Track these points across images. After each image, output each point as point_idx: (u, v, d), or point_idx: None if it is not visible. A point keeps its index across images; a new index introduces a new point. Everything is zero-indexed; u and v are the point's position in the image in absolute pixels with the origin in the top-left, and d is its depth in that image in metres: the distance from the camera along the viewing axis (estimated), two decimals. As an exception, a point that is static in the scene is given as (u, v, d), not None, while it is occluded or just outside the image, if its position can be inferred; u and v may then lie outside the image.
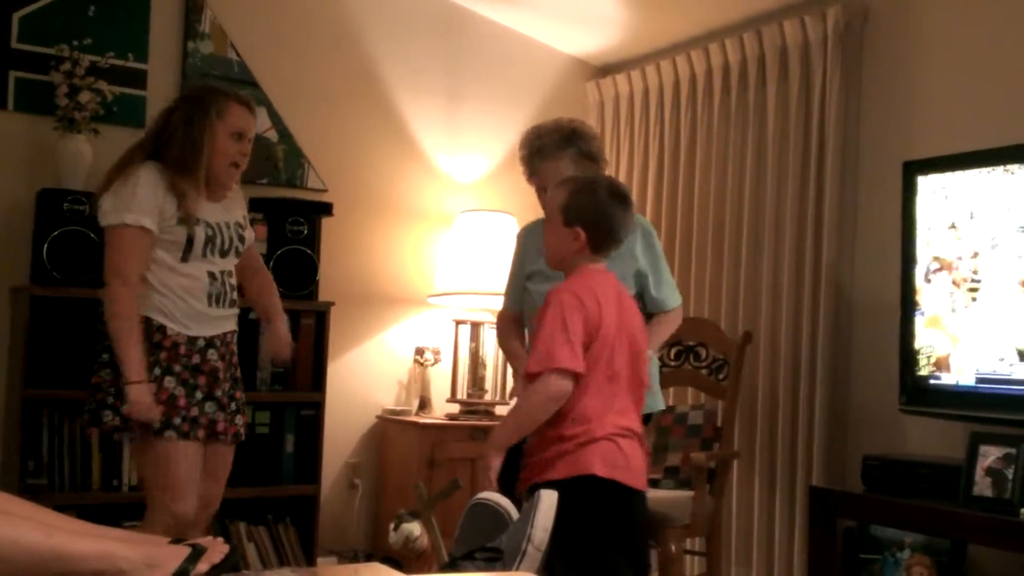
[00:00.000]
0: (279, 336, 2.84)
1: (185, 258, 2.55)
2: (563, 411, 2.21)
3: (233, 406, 2.67)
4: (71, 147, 3.43)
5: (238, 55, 3.92)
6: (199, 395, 2.58)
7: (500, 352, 3.72)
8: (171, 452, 2.52)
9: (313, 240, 3.75)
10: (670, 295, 2.83)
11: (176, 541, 1.83)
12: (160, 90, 3.76)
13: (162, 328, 2.54)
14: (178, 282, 2.56)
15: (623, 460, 2.23)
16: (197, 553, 1.74)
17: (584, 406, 2.21)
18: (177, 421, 2.52)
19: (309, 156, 4.05)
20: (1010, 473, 2.64)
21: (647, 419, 2.76)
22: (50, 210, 3.31)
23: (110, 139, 3.55)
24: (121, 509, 3.33)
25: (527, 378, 2.25)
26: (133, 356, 2.46)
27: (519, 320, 2.90)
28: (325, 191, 4.04)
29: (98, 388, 2.54)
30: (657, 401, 2.86)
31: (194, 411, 2.56)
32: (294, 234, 3.70)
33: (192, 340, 2.57)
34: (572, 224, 2.29)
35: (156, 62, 3.76)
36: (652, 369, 2.79)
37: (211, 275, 2.60)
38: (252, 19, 3.96)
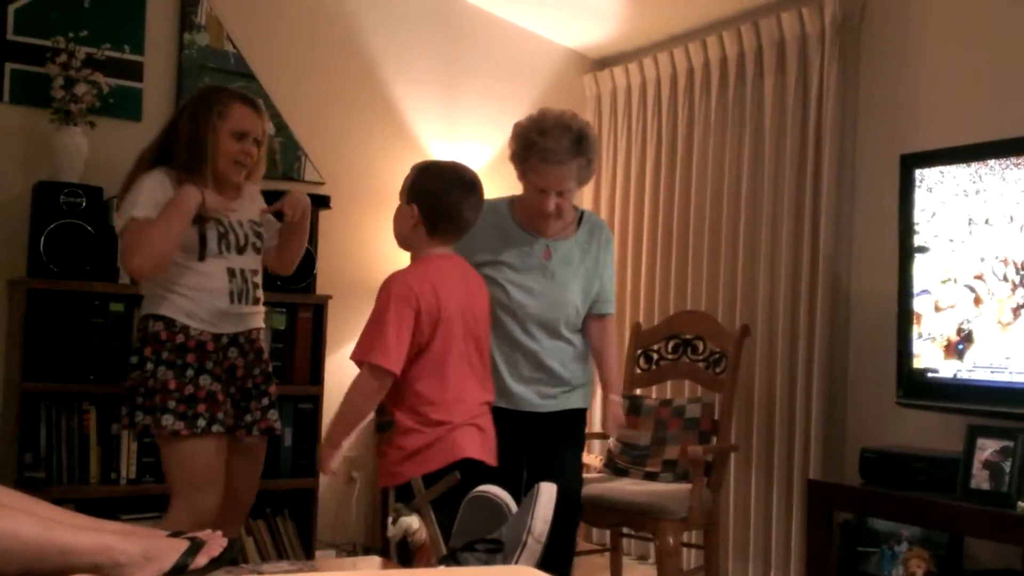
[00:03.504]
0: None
1: (202, 256, 2.60)
2: (419, 400, 2.30)
3: (266, 401, 2.73)
4: (67, 139, 3.42)
5: (235, 47, 3.91)
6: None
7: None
8: (199, 449, 2.57)
9: (311, 233, 3.74)
10: (609, 303, 2.89)
11: (175, 534, 1.84)
12: (156, 82, 3.75)
13: (185, 328, 2.58)
14: (198, 281, 2.60)
15: (485, 442, 2.34)
16: (195, 546, 1.75)
17: (439, 392, 2.30)
18: (220, 415, 2.59)
19: (306, 149, 4.05)
20: (1007, 466, 2.65)
21: (581, 413, 2.85)
22: (47, 203, 3.30)
23: (106, 131, 3.55)
24: (119, 502, 3.33)
25: (354, 361, 2.34)
26: (168, 213, 2.50)
27: None
28: (322, 184, 4.04)
29: (133, 391, 2.59)
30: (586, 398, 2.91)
31: (227, 406, 2.63)
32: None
33: (217, 337, 2.62)
34: (410, 201, 2.39)
35: (152, 54, 3.75)
36: (582, 368, 2.85)
37: (230, 272, 2.64)
38: (248, 11, 3.95)
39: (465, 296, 2.37)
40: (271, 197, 3.66)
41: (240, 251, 2.67)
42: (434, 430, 2.28)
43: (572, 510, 2.76)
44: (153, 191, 2.55)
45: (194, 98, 2.70)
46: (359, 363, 2.30)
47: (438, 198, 2.37)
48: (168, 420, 2.52)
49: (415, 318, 2.27)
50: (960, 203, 2.91)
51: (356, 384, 2.31)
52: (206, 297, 2.60)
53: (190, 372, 2.57)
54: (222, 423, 2.58)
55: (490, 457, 2.34)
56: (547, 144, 2.63)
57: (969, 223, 2.88)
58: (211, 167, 2.60)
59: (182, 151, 2.59)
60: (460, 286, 2.38)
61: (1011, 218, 2.78)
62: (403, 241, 2.45)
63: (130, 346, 3.37)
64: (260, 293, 2.74)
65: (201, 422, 2.55)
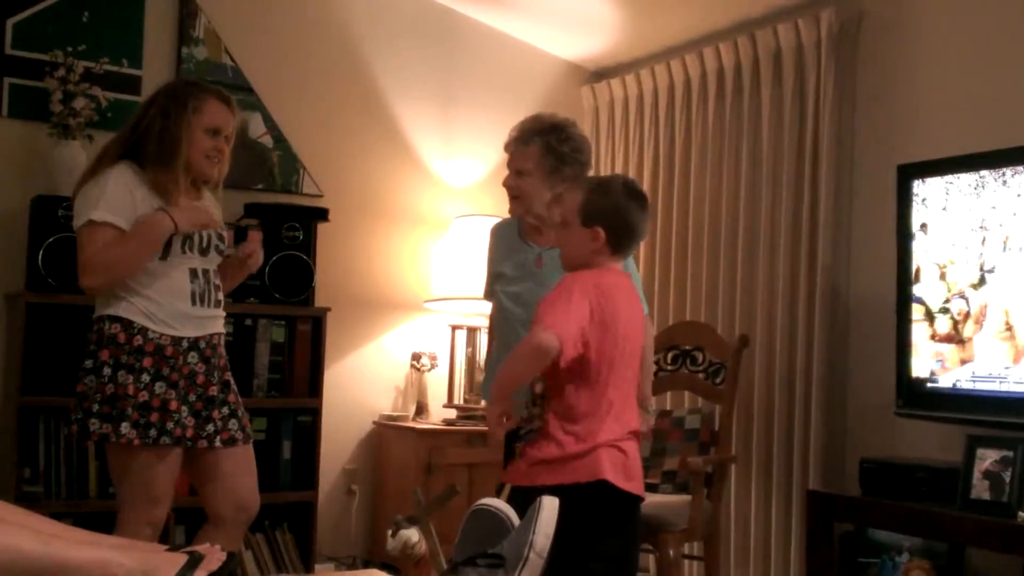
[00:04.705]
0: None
1: (164, 255, 2.49)
2: (570, 409, 2.20)
3: (226, 410, 2.59)
4: (66, 153, 3.43)
5: (233, 60, 3.92)
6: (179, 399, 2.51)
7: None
8: (153, 460, 2.46)
9: (309, 246, 3.75)
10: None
11: (173, 548, 1.83)
12: (155, 96, 3.76)
13: (143, 331, 2.46)
14: (159, 281, 2.49)
15: (628, 467, 2.23)
16: (194, 560, 1.73)
17: (593, 406, 2.20)
18: (171, 426, 2.46)
19: (304, 161, 4.05)
20: (1007, 476, 2.64)
21: None
22: (45, 217, 3.30)
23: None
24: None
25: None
26: (140, 232, 2.45)
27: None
28: (321, 196, 4.04)
29: (84, 396, 2.48)
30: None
31: (183, 413, 2.50)
32: (290, 240, 3.70)
33: (177, 341, 2.50)
34: (591, 224, 2.25)
35: (151, 68, 3.75)
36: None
37: (192, 272, 2.54)
38: (247, 24, 3.96)
39: (630, 318, 2.27)
40: (271, 210, 3.69)
41: (203, 252, 2.57)
42: (579, 444, 2.18)
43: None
44: (116, 193, 2.45)
45: (166, 92, 2.59)
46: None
47: (622, 216, 2.26)
48: (126, 428, 2.41)
49: (590, 315, 2.17)
50: (959, 213, 2.91)
51: (520, 344, 2.18)
52: (167, 298, 2.49)
53: (146, 377, 2.44)
54: (171, 434, 2.45)
55: (626, 483, 2.22)
56: (520, 128, 2.73)
57: (968, 233, 2.88)
58: (183, 162, 2.51)
59: (153, 145, 2.48)
60: (628, 306, 2.28)
61: (1011, 227, 2.78)
62: (580, 264, 2.29)
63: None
64: (222, 296, 2.63)
65: (152, 432, 2.43)
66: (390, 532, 2.23)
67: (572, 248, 2.31)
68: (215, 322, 2.61)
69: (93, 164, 2.56)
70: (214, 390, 2.57)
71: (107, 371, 2.46)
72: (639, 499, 2.29)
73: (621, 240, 2.28)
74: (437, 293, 4.15)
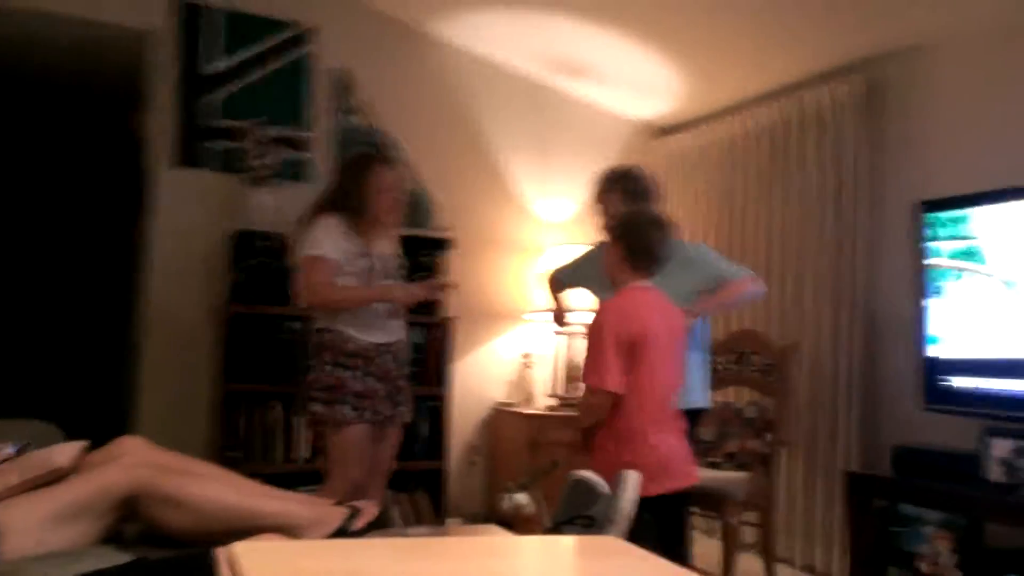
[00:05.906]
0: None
1: (366, 282, 2.64)
2: (619, 424, 2.13)
3: (400, 397, 2.73)
4: (258, 198, 3.56)
5: (381, 126, 4.01)
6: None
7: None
8: (361, 434, 2.59)
9: (440, 268, 3.80)
10: (730, 270, 2.72)
11: (339, 504, 1.88)
12: (322, 153, 3.88)
13: (354, 339, 2.61)
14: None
15: (664, 468, 2.13)
16: (355, 513, 1.78)
17: (634, 420, 2.12)
18: (378, 407, 2.62)
19: (436, 203, 4.12)
20: (1018, 462, 2.49)
21: (697, 413, 2.69)
22: (243, 246, 3.43)
23: (286, 191, 3.67)
24: (298, 477, 3.40)
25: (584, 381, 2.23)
26: (372, 293, 2.61)
27: (559, 278, 3.09)
28: (448, 230, 4.10)
29: (309, 388, 2.63)
30: (702, 398, 2.73)
31: (382, 400, 2.65)
32: (425, 264, 3.76)
33: (376, 346, 2.65)
34: (616, 240, 2.27)
35: (318, 132, 3.87)
36: (697, 370, 2.68)
37: None
38: (392, 98, 4.05)
39: (664, 324, 2.21)
40: (411, 241, 3.72)
41: (388, 278, 2.71)
42: (624, 454, 2.08)
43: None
44: (327, 236, 2.60)
45: (352, 162, 2.75)
46: (588, 384, 2.17)
47: (643, 239, 2.23)
48: (345, 410, 2.56)
49: (615, 348, 2.12)
50: (971, 240, 2.77)
51: (584, 403, 2.19)
52: (368, 314, 2.64)
53: (358, 373, 2.60)
54: (378, 414, 2.61)
55: (670, 486, 2.13)
56: (599, 184, 2.80)
57: (977, 256, 2.74)
58: (371, 214, 2.66)
59: (350, 202, 2.65)
60: (660, 315, 2.22)
61: (1012, 251, 2.63)
62: (613, 278, 2.27)
63: (304, 357, 3.48)
64: (402, 311, 2.77)
65: (367, 414, 2.59)
66: (504, 495, 2.24)
67: (607, 264, 2.30)
68: (400, 330, 2.76)
69: (308, 214, 2.70)
70: (401, 382, 2.72)
71: (328, 368, 2.60)
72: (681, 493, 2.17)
73: (640, 258, 2.21)
74: (539, 305, 4.15)
